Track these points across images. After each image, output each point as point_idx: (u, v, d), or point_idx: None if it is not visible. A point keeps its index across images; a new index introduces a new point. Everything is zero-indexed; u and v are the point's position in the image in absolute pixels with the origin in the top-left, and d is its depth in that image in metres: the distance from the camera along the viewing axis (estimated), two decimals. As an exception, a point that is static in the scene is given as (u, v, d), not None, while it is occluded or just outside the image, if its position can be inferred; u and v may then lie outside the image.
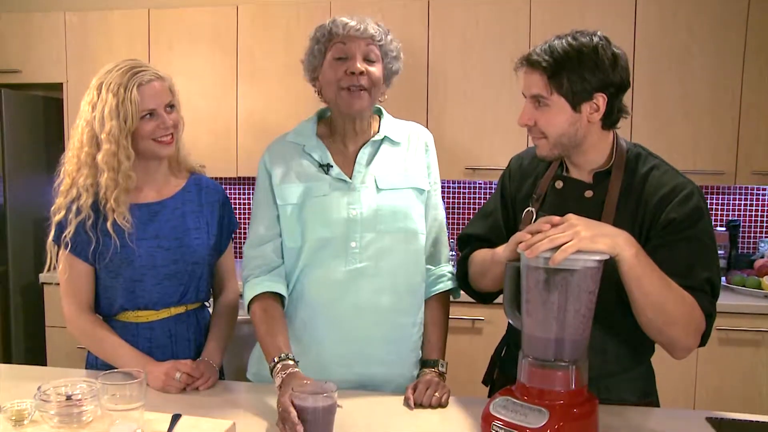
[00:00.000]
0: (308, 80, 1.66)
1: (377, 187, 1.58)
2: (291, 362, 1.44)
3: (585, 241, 1.18)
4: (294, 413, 1.23)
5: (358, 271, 1.55)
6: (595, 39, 1.34)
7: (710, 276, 1.36)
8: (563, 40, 1.35)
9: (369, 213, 1.56)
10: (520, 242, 1.24)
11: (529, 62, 1.37)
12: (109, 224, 1.58)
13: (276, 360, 1.45)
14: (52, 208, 1.63)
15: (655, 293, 1.27)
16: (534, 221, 1.43)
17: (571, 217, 1.23)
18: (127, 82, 1.55)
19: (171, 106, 1.63)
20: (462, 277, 1.61)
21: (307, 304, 1.58)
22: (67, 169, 1.62)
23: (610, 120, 1.40)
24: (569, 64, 1.32)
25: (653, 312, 1.29)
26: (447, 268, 1.68)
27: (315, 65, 1.60)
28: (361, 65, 1.53)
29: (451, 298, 1.71)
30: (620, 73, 1.36)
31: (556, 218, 1.24)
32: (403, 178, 1.61)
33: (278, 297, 1.58)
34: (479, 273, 1.53)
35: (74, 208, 1.59)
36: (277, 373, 1.42)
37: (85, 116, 1.59)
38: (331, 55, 1.56)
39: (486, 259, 1.48)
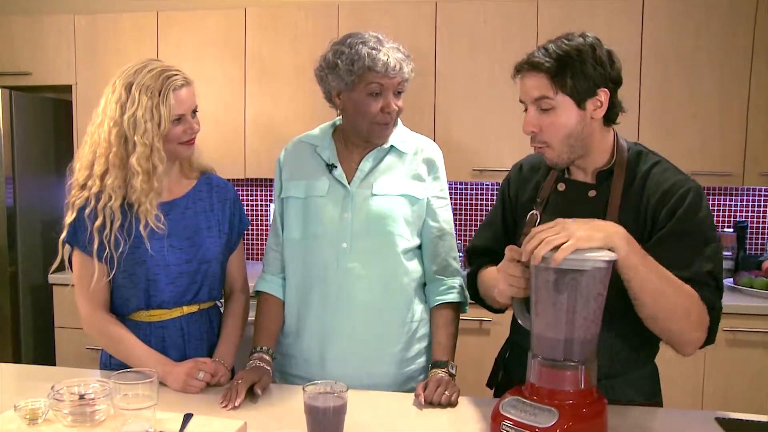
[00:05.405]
0: (324, 95, 1.67)
1: (372, 192, 1.64)
2: (268, 358, 1.64)
3: (582, 240, 1.19)
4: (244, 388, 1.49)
5: (348, 270, 1.63)
6: (589, 38, 1.37)
7: (712, 269, 1.35)
8: (557, 43, 1.37)
9: (361, 217, 1.63)
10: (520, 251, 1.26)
11: (532, 65, 1.37)
12: (141, 227, 1.58)
13: (260, 349, 1.65)
14: (86, 211, 1.58)
15: (652, 283, 1.27)
16: (537, 224, 1.43)
17: (561, 220, 1.24)
18: (161, 86, 1.54)
19: (195, 111, 1.64)
20: (474, 293, 1.63)
21: (305, 299, 1.69)
22: (96, 171, 1.58)
23: (609, 115, 1.41)
24: (571, 62, 1.34)
25: (653, 303, 1.29)
26: (457, 281, 1.71)
27: (340, 89, 1.61)
28: (393, 103, 1.59)
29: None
30: (617, 69, 1.39)
31: (547, 225, 1.24)
32: (398, 185, 1.66)
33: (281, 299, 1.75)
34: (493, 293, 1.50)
35: (104, 210, 1.57)
36: (257, 358, 1.62)
37: (112, 114, 1.56)
38: (364, 89, 1.57)
39: (493, 278, 1.46)
